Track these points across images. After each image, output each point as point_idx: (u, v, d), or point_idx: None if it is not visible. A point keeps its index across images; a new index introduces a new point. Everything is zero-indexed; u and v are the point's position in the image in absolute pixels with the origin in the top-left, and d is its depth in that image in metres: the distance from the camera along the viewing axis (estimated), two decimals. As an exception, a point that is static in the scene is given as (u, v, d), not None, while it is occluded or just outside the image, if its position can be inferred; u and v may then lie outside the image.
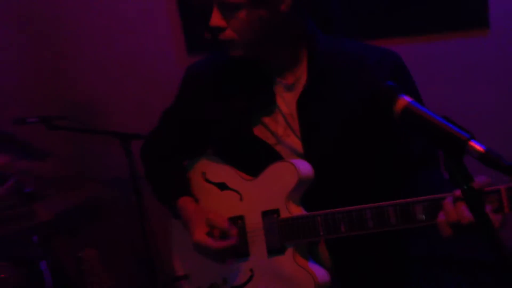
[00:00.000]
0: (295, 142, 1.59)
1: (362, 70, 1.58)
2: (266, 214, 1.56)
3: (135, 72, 3.08)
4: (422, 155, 1.54)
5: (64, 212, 2.64)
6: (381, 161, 1.55)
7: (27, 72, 3.29)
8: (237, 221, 1.60)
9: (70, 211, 2.72)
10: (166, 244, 1.81)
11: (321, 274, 1.51)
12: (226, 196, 1.63)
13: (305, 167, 1.53)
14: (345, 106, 1.57)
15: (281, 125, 1.62)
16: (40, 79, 3.30)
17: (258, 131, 1.63)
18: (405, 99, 1.14)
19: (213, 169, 1.68)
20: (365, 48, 1.64)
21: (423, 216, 1.36)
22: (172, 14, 2.91)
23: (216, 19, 1.54)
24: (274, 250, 1.56)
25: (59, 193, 2.72)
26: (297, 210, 1.54)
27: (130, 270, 3.12)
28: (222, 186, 1.65)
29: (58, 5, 3.22)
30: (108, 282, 2.89)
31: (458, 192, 1.27)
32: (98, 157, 3.18)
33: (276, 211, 1.55)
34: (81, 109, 3.14)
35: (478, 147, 1.04)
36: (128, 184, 2.75)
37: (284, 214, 1.53)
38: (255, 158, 1.61)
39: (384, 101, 1.15)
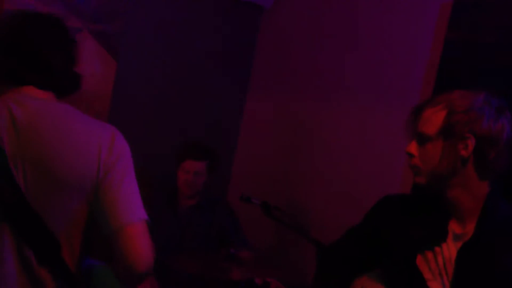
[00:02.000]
0: (445, 286, 1.72)
1: None
2: None
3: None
4: None
5: (250, 280, 2.99)
6: None
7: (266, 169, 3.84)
8: None
9: (253, 282, 3.03)
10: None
11: None
12: (373, 312, 1.83)
13: None
14: (502, 276, 1.65)
15: (440, 265, 1.74)
16: (273, 176, 3.86)
17: (418, 262, 1.76)
18: None
19: (371, 285, 1.85)
20: None
21: None
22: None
23: (411, 147, 1.78)
24: None
25: (251, 266, 3.06)
26: None
27: None
28: None
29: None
30: None
31: None
32: (290, 250, 3.57)
33: None
34: (294, 209, 3.61)
35: None
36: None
37: None
38: (407, 286, 1.75)
39: None
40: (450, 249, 1.75)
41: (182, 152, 3.53)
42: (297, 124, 3.90)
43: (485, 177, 1.74)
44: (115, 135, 1.65)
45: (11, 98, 1.61)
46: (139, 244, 1.59)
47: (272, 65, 4.22)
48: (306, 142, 3.79)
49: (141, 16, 3.87)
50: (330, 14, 3.82)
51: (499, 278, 1.68)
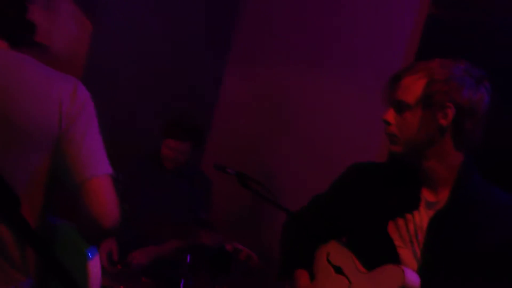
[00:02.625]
0: (416, 253, 1.71)
1: (504, 220, 1.66)
2: None
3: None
4: None
5: (219, 246, 2.98)
6: None
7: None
8: None
9: (223, 249, 3.04)
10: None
11: None
12: (338, 279, 1.81)
13: (413, 279, 1.63)
14: (473, 245, 1.65)
15: (411, 233, 1.73)
16: (248, 147, 3.84)
17: (389, 229, 1.75)
18: None
19: (337, 252, 1.84)
20: None
21: None
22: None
23: (388, 115, 1.75)
24: None
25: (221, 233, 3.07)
26: None
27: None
28: (338, 270, 1.83)
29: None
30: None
31: None
32: (262, 219, 3.58)
33: None
34: (269, 179, 3.58)
35: None
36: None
37: None
38: (377, 253, 1.75)
39: None
40: (422, 217, 1.74)
41: (167, 129, 3.46)
42: (275, 95, 3.88)
43: (460, 148, 1.73)
44: (77, 85, 1.58)
45: None
46: (103, 198, 1.54)
47: (252, 36, 4.19)
48: (283, 114, 3.77)
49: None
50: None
51: (469, 246, 1.67)
